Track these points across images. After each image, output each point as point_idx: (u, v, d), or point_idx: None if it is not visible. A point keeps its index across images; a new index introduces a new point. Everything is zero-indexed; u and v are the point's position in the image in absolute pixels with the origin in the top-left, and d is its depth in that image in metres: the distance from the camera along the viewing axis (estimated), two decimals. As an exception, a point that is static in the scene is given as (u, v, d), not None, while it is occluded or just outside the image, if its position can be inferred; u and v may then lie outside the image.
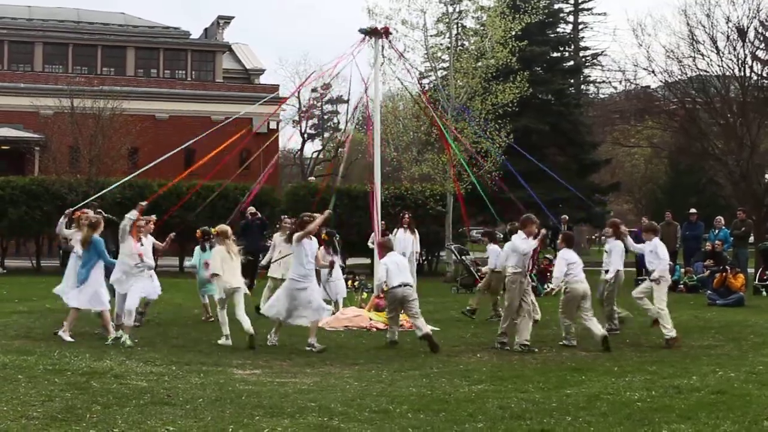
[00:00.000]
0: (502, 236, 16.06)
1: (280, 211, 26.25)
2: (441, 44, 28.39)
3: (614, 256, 12.36)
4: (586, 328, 11.01)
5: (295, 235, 11.03)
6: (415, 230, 19.27)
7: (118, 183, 17.86)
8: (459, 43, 28.44)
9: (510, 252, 11.43)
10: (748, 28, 26.18)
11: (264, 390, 7.77)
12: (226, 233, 11.50)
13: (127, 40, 44.18)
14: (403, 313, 13.07)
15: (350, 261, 23.73)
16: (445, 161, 23.99)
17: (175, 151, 15.85)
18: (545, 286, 17.84)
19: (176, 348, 10.44)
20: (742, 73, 26.60)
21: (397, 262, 11.65)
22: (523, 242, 11.18)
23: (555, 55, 40.21)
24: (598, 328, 10.94)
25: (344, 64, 14.59)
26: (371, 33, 14.19)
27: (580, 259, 11.46)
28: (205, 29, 50.50)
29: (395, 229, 18.68)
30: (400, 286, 11.36)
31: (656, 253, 11.54)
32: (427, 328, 11.08)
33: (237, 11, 58.16)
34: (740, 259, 20.36)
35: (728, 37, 26.25)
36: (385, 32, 14.47)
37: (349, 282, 18.37)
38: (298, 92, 46.71)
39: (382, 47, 14.70)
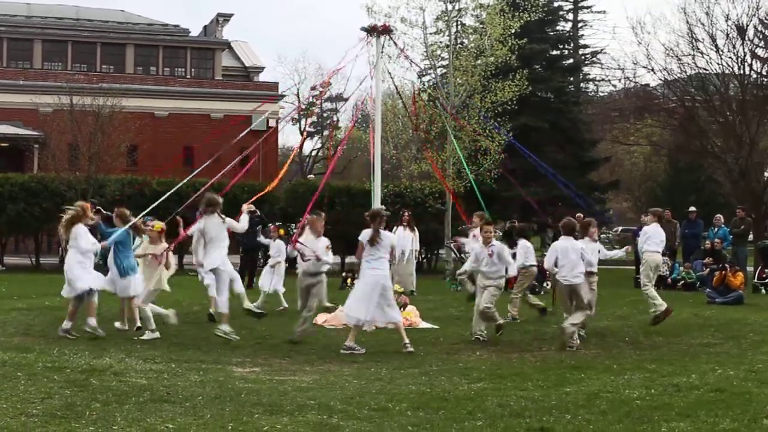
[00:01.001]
0: (501, 234, 16.00)
1: (279, 209, 26.23)
2: (440, 42, 28.39)
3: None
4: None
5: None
6: (415, 228, 19.30)
7: (178, 185, 15.93)
8: (458, 41, 28.43)
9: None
10: (747, 26, 26.24)
11: (263, 388, 7.76)
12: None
13: (126, 37, 44.14)
14: (404, 310, 13.04)
15: (349, 259, 23.73)
16: (444, 159, 24.00)
17: (208, 162, 14.65)
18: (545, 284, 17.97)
19: (175, 345, 10.43)
20: (742, 71, 26.64)
21: None
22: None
23: (554, 53, 40.21)
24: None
25: (350, 64, 14.57)
26: (372, 31, 14.17)
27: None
28: (205, 27, 50.47)
29: (395, 227, 18.69)
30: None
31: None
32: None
33: (237, 10, 58.25)
34: (739, 258, 20.38)
35: (728, 35, 26.30)
36: (386, 30, 14.45)
37: (349, 280, 18.35)
38: (298, 90, 46.69)
39: (383, 45, 14.67)
